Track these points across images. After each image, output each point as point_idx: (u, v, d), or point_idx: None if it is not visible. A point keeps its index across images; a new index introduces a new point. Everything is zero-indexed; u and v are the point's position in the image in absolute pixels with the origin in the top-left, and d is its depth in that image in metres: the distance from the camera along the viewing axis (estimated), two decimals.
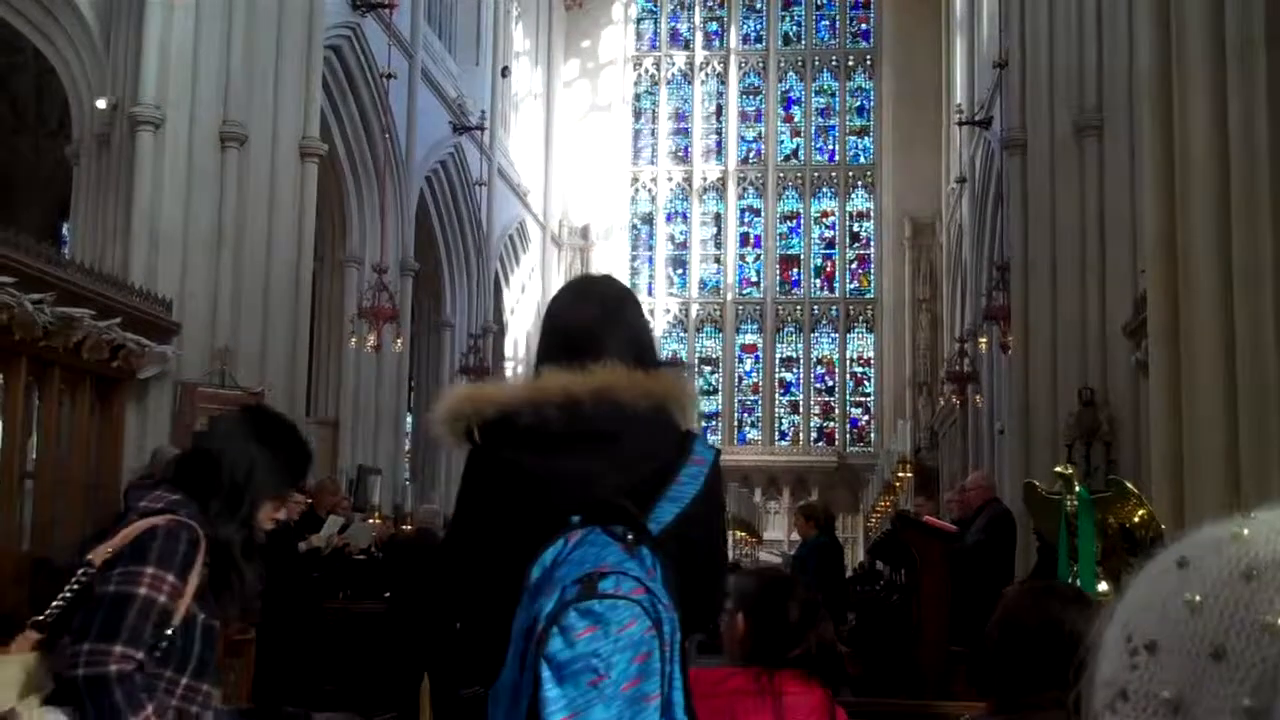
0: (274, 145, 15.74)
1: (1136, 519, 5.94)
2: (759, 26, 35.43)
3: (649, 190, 35.07)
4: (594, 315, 2.47)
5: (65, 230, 20.39)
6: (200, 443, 3.40)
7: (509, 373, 30.09)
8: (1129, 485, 6.08)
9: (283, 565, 10.95)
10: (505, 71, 29.31)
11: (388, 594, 12.07)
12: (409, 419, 24.23)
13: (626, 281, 29.08)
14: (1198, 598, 0.83)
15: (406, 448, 23.85)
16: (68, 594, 3.03)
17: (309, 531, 11.68)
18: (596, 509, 2.16)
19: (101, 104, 15.19)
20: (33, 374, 12.48)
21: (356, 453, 20.27)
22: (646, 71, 35.59)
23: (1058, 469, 6.36)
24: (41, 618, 3.02)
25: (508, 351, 30.31)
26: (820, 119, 35.13)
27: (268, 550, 10.95)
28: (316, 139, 16.53)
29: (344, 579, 12.15)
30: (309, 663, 10.16)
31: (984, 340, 20.36)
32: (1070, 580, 5.62)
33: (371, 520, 15.39)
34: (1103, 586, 5.65)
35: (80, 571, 3.01)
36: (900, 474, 12.26)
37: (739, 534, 26.18)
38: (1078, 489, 5.87)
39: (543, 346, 2.52)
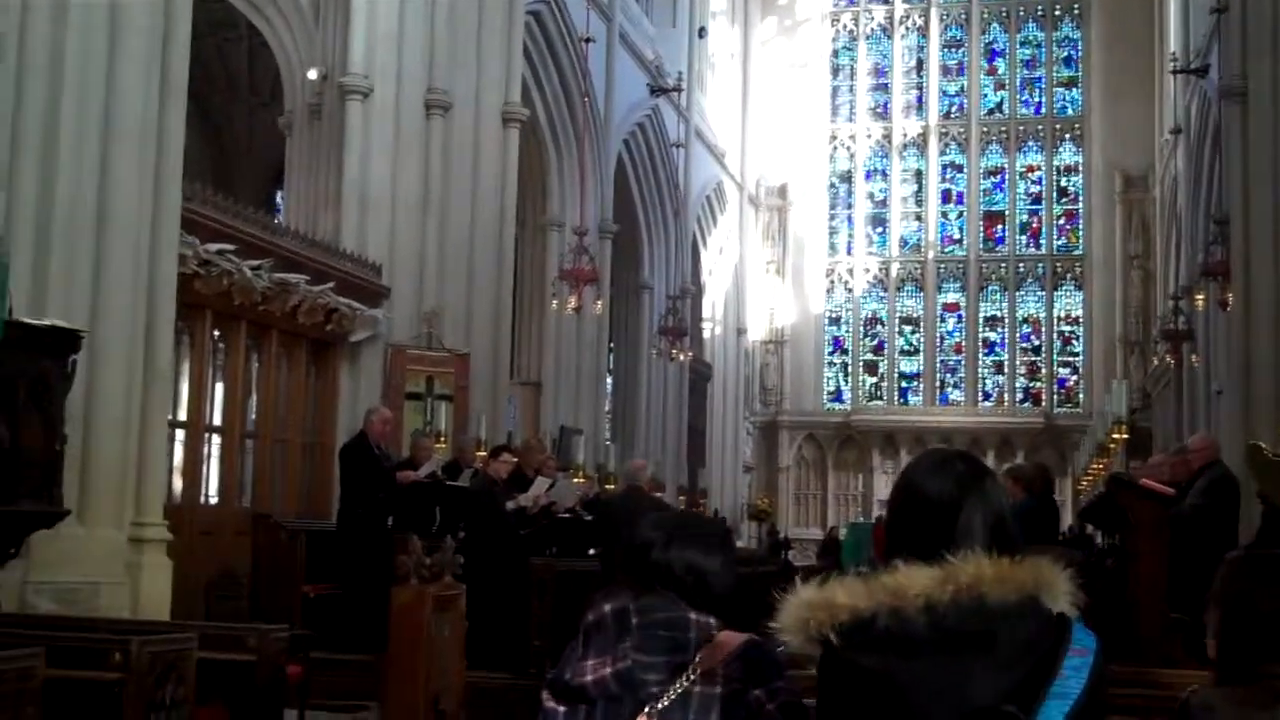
0: (477, 112, 16.04)
1: None
2: None
3: (848, 148, 34.59)
4: (954, 488, 2.31)
5: (279, 198, 21.12)
6: None
7: (706, 334, 30.16)
8: None
9: (491, 523, 11.21)
10: (702, 32, 29.21)
11: (592, 551, 12.24)
12: (609, 380, 24.48)
13: (824, 240, 28.94)
14: None
15: (607, 408, 24.11)
16: None
17: (517, 491, 11.92)
18: (980, 718, 2.09)
19: (313, 75, 15.67)
20: (252, 337, 12.99)
21: (559, 414, 20.59)
22: (845, 27, 35.05)
23: None
24: None
25: (705, 313, 30.34)
26: (1025, 70, 34.12)
27: (476, 509, 11.22)
28: (518, 105, 16.78)
29: (550, 537, 12.35)
30: (517, 619, 10.36)
31: (1200, 297, 19.55)
32: None
33: (576, 479, 15.61)
34: None
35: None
36: (1116, 435, 11.88)
37: None
38: None
39: (897, 518, 2.36)
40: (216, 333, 12.48)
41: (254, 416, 13.37)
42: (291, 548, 12.02)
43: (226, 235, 11.84)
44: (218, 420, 12.78)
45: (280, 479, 13.59)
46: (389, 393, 14.51)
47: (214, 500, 12.73)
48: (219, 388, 12.80)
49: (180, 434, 11.87)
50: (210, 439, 12.66)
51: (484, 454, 12.76)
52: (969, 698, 2.12)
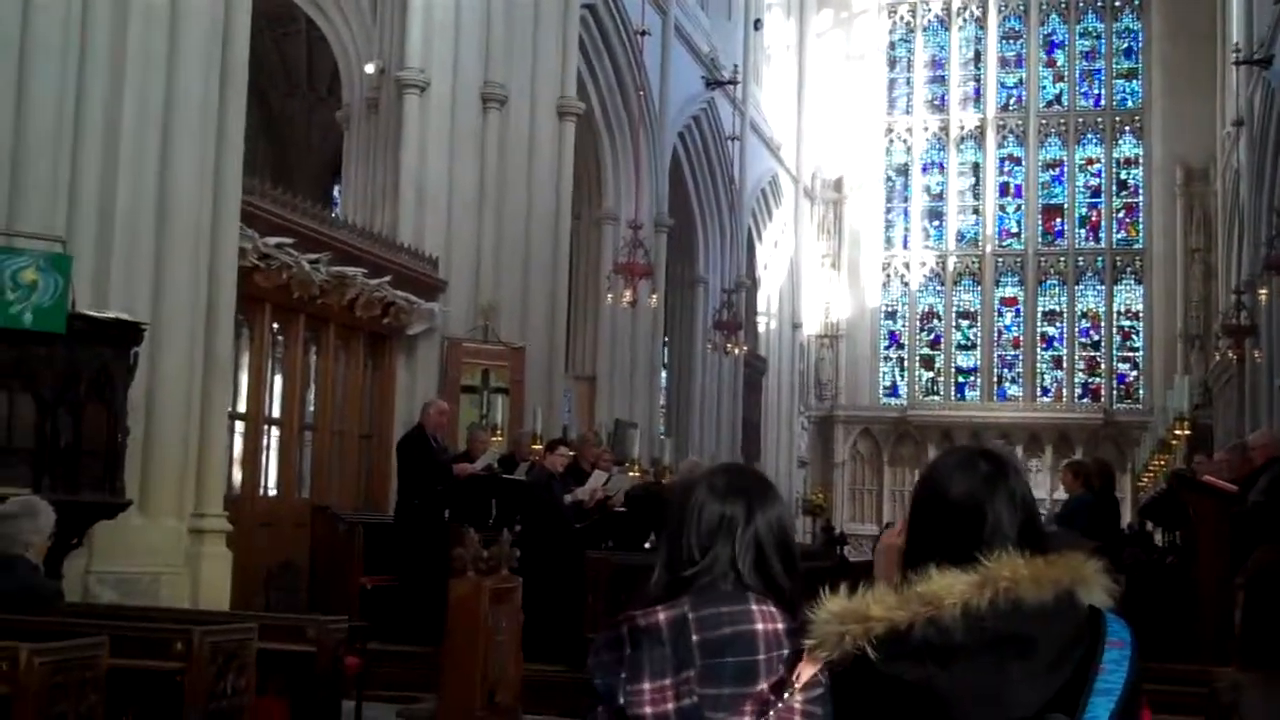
0: (533, 105, 16.08)
1: None
2: None
3: (904, 141, 34.37)
4: (980, 487, 2.27)
5: (336, 192, 21.25)
6: None
7: (761, 328, 30.07)
8: None
9: (547, 517, 11.23)
10: (758, 24, 29.11)
11: (648, 545, 12.25)
12: (664, 374, 24.47)
13: (880, 234, 28.76)
14: None
15: (662, 402, 24.10)
16: None
17: (573, 484, 11.94)
18: None
19: (370, 69, 15.76)
20: (310, 330, 13.09)
21: (614, 407, 20.61)
22: (901, 19, 34.82)
23: None
24: None
25: (760, 307, 30.24)
26: (1085, 62, 33.75)
27: (532, 502, 11.24)
28: (574, 98, 16.79)
29: (606, 530, 12.37)
30: (573, 612, 10.38)
31: (1264, 291, 19.29)
32: None
33: (632, 474, 15.62)
34: None
35: None
36: (1178, 431, 11.72)
37: None
38: None
39: (923, 523, 2.32)
40: (275, 325, 12.58)
41: (312, 409, 13.47)
42: (349, 539, 12.12)
43: (285, 229, 11.93)
44: (276, 413, 12.88)
45: (338, 471, 13.69)
46: (445, 385, 14.57)
47: (273, 492, 12.84)
48: (278, 380, 12.90)
49: (240, 426, 11.98)
50: (269, 431, 12.76)
51: (539, 447, 12.79)
52: (1012, 703, 2.09)
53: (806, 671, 2.31)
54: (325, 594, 11.75)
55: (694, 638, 2.42)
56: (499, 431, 14.17)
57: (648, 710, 2.43)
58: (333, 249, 12.76)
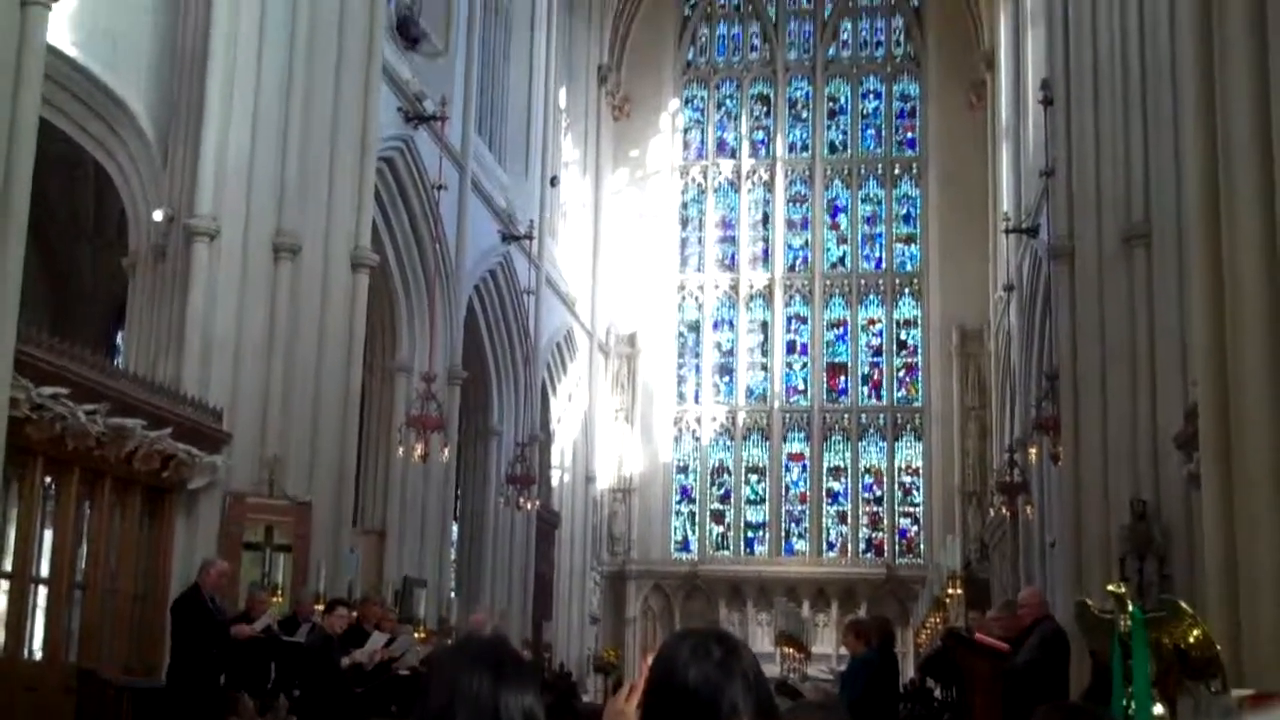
0: (326, 256, 15.95)
1: (1191, 639, 5.82)
2: (805, 135, 35.70)
3: (696, 298, 35.18)
4: (714, 672, 2.32)
5: (121, 339, 20.67)
6: None
7: (555, 482, 30.04)
8: (1183, 605, 5.96)
9: (326, 681, 10.91)
10: (554, 181, 29.65)
11: None
12: (455, 528, 24.18)
13: (673, 389, 29.14)
14: None
15: (453, 557, 23.77)
16: None
17: (354, 646, 11.65)
18: None
19: (158, 216, 15.47)
20: (84, 484, 12.59)
21: (403, 563, 20.21)
22: (694, 180, 35.88)
23: (1110, 587, 6.26)
24: None
25: (554, 460, 30.28)
26: (867, 226, 35.19)
27: (312, 666, 10.92)
28: (368, 249, 16.74)
29: (390, 695, 12.05)
30: None
31: (1034, 450, 20.14)
32: (1125, 703, 5.49)
33: (418, 634, 15.30)
34: (1158, 710, 5.52)
35: None
36: (951, 590, 12.07)
37: (787, 650, 25.84)
38: (1130, 608, 5.76)
39: (659, 705, 2.34)
40: (48, 479, 12.08)
41: (84, 566, 12.89)
42: (118, 706, 11.56)
43: (61, 378, 11.54)
44: (45, 571, 12.28)
45: (110, 632, 13.08)
46: (226, 542, 14.12)
47: (38, 655, 12.18)
48: (48, 536, 12.34)
49: (4, 585, 11.39)
50: (36, 590, 12.15)
51: (322, 607, 12.46)
52: None
53: None
54: None
55: None
56: (280, 591, 13.76)
57: None
58: (112, 399, 12.37)
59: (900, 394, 34.06)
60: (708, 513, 34.05)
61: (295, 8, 15.63)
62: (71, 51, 15.48)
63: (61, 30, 14.10)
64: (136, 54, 15.82)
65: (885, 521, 33.37)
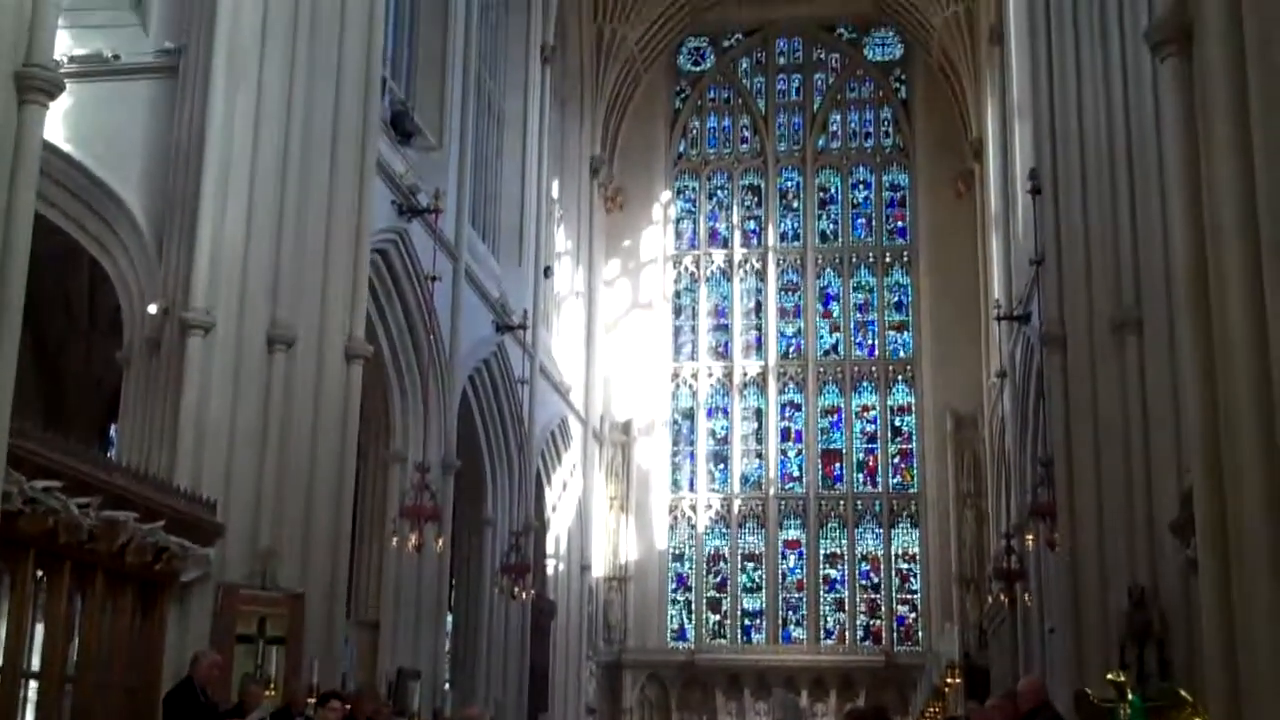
0: (320, 347, 15.98)
1: None
2: (796, 225, 36.00)
3: (690, 386, 35.25)
4: None
5: (114, 431, 20.63)
6: None
7: (550, 570, 29.88)
8: (1183, 693, 5.94)
9: None
10: (548, 271, 29.83)
11: None
12: (449, 619, 24.00)
13: (667, 476, 29.19)
14: None
15: (447, 648, 23.57)
16: None
17: None
18: None
19: (153, 309, 15.52)
20: (76, 577, 12.50)
21: (397, 654, 20.05)
22: (686, 269, 36.09)
23: (1109, 676, 6.24)
24: None
25: (549, 549, 30.13)
26: (859, 314, 35.39)
27: None
28: (362, 341, 16.78)
29: None
30: None
31: (1031, 537, 20.06)
32: None
33: None
34: None
35: None
36: (949, 680, 11.99)
37: None
38: (1130, 697, 5.74)
39: None
40: (40, 572, 11.99)
41: (75, 659, 12.77)
42: None
43: (54, 471, 11.50)
44: (36, 665, 12.16)
45: None
46: (219, 635, 14.01)
47: None
48: (39, 629, 12.23)
49: None
50: (27, 684, 12.02)
51: (315, 700, 12.33)
52: None
53: None
54: None
55: None
56: (273, 684, 13.63)
57: None
58: (104, 492, 12.32)
59: (895, 480, 34.02)
60: (704, 601, 33.85)
61: (290, 103, 15.79)
62: (66, 147, 15.66)
63: (56, 126, 14.25)
64: (131, 149, 15.99)
65: (883, 609, 33.18)
